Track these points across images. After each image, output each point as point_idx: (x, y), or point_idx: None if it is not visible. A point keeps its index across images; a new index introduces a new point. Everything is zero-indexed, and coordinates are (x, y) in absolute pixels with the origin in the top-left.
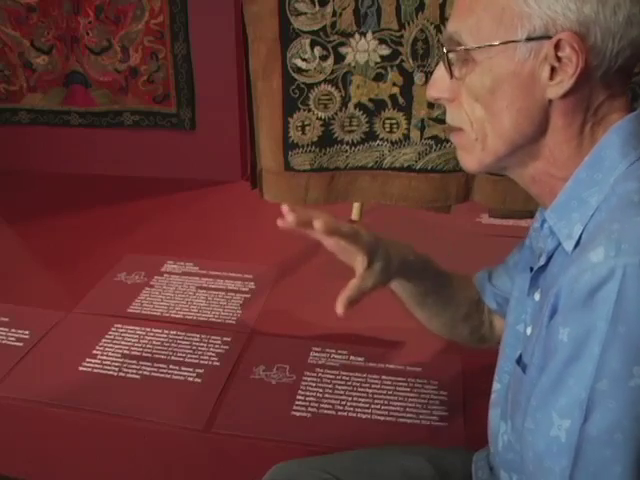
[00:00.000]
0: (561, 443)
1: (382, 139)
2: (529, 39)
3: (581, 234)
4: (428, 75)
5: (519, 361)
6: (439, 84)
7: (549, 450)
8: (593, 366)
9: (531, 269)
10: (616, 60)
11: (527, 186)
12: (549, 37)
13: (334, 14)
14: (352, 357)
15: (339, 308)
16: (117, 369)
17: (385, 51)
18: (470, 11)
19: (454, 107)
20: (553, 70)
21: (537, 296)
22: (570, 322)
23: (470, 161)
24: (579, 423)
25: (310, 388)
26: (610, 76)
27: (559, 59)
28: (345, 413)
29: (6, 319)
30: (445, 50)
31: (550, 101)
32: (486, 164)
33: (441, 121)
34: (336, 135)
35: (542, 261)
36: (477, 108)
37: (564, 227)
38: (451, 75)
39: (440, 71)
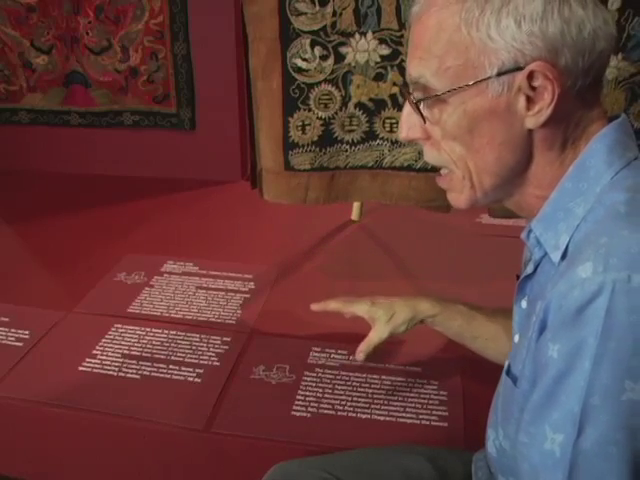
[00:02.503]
0: (556, 457)
1: (382, 138)
2: (500, 74)
3: (567, 244)
4: None
5: (508, 371)
6: (409, 126)
7: (544, 464)
8: (585, 381)
9: (517, 277)
10: (588, 75)
11: (516, 211)
12: (520, 68)
13: (334, 14)
14: (352, 357)
15: (359, 357)
16: (117, 369)
17: (385, 51)
18: (429, 54)
19: (431, 146)
20: (529, 99)
21: (524, 304)
22: (560, 338)
23: (460, 199)
24: (573, 437)
25: (310, 388)
26: (584, 90)
27: (533, 88)
28: (345, 413)
29: (6, 319)
30: (414, 99)
31: (530, 130)
32: (476, 200)
33: None
34: (336, 135)
35: (529, 270)
36: (456, 147)
37: (551, 238)
38: (423, 120)
39: (408, 112)
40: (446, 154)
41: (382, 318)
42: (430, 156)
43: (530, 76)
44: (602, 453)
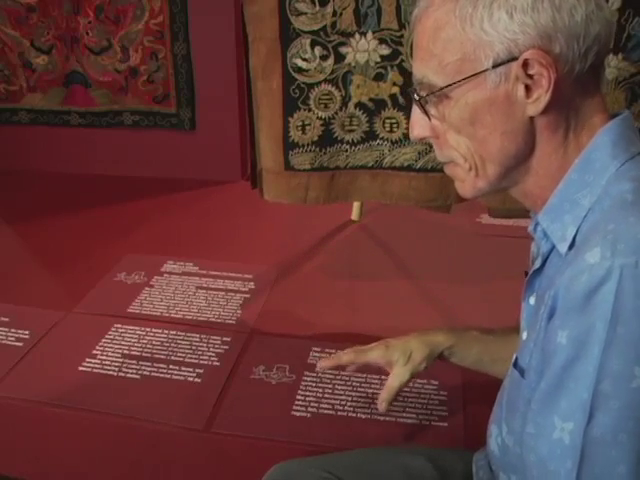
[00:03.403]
0: (565, 445)
1: (382, 138)
2: (495, 65)
3: (575, 236)
4: None
5: (515, 364)
6: (420, 125)
7: (552, 453)
8: (594, 367)
9: (526, 273)
10: (586, 59)
11: (521, 200)
12: (515, 58)
13: (334, 14)
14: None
15: (382, 407)
16: (117, 369)
17: (385, 51)
18: (429, 53)
19: (440, 144)
20: (527, 88)
21: (532, 300)
22: (568, 325)
23: (465, 188)
24: (583, 425)
25: (310, 388)
26: (584, 76)
27: (530, 76)
28: (345, 413)
29: (6, 319)
30: (417, 97)
31: (531, 118)
32: (480, 188)
33: None
34: (336, 135)
35: (537, 264)
36: (462, 140)
37: (557, 229)
38: (428, 117)
39: (417, 112)
40: (453, 149)
41: (400, 360)
42: (440, 154)
43: (525, 65)
44: (613, 441)
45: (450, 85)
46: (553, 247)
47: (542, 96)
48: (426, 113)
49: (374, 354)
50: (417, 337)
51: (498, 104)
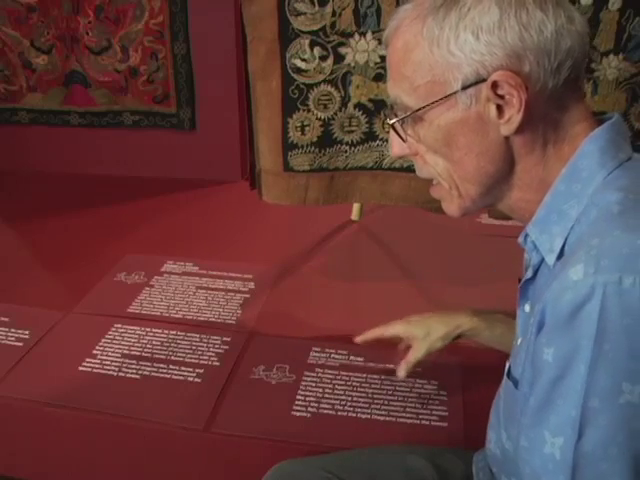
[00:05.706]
0: (556, 460)
1: (382, 139)
2: (465, 87)
3: (562, 247)
4: None
5: (509, 374)
6: (398, 144)
7: (545, 467)
8: (581, 385)
9: (519, 280)
10: (559, 75)
11: (506, 212)
12: (483, 80)
13: (334, 14)
14: (352, 357)
15: (400, 375)
16: (117, 369)
17: (385, 51)
18: (401, 75)
19: (419, 161)
20: (499, 108)
21: (527, 307)
22: (554, 342)
23: (450, 208)
24: (573, 440)
25: (310, 388)
26: (559, 91)
27: (501, 97)
28: (345, 413)
29: (6, 319)
30: (389, 121)
31: (507, 137)
32: (466, 207)
33: None
34: (336, 135)
35: (529, 274)
36: (439, 160)
37: (546, 241)
38: (402, 139)
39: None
40: (431, 167)
41: (419, 336)
42: (419, 171)
43: (495, 86)
44: (604, 455)
45: (422, 108)
46: (543, 258)
47: (514, 116)
48: (398, 134)
49: (397, 328)
50: (439, 316)
51: (471, 125)
